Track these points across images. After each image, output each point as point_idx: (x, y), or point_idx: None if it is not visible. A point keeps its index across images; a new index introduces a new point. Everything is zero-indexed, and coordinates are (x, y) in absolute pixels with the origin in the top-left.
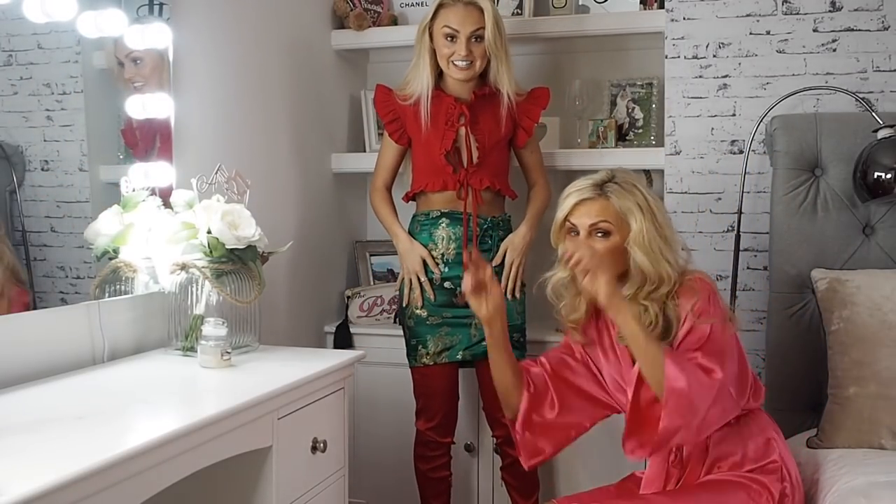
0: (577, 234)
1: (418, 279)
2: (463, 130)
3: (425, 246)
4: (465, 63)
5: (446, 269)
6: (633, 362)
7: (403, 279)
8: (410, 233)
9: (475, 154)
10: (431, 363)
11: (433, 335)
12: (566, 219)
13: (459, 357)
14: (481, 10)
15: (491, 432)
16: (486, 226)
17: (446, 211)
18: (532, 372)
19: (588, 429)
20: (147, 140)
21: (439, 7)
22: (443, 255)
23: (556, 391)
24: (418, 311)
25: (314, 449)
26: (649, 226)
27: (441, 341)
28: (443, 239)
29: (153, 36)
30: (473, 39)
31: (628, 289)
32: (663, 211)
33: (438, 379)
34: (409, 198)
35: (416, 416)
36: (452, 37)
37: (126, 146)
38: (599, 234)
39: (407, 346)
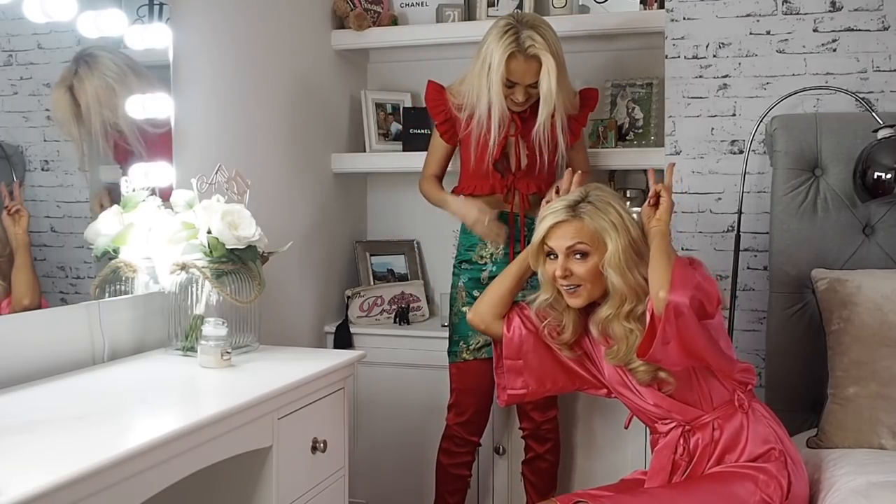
0: (556, 257)
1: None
2: (513, 139)
3: (474, 245)
4: (517, 105)
5: (494, 269)
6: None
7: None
8: (461, 231)
9: (524, 161)
10: (471, 358)
11: (476, 332)
12: (543, 242)
13: None
14: (541, 63)
15: (518, 424)
16: (533, 225)
17: (495, 211)
18: (524, 314)
19: (564, 389)
20: (122, 146)
21: (505, 54)
22: (491, 254)
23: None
24: (464, 309)
25: (314, 449)
26: (624, 244)
27: (482, 337)
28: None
29: (153, 36)
30: (531, 87)
31: (608, 308)
32: (638, 226)
33: (475, 376)
34: (456, 194)
35: (448, 410)
36: (511, 85)
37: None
38: (577, 256)
39: (449, 342)
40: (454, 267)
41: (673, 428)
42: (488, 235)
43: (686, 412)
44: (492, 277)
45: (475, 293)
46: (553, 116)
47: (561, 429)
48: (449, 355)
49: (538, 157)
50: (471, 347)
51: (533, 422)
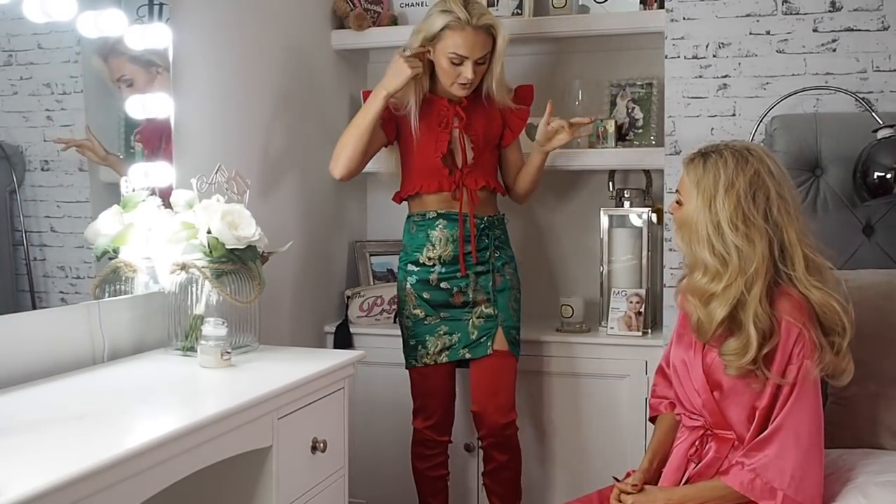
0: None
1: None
2: (457, 132)
3: (421, 247)
4: (468, 83)
5: (443, 271)
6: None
7: (399, 278)
8: (406, 232)
9: (470, 155)
10: (432, 363)
11: (432, 335)
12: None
13: (460, 355)
14: (489, 34)
15: (477, 433)
16: (482, 225)
17: (443, 212)
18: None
19: None
20: (154, 141)
21: (445, 28)
22: (440, 256)
23: None
24: (415, 312)
25: (314, 449)
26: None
27: (440, 341)
28: (440, 240)
29: (153, 36)
30: (479, 63)
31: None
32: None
33: (437, 378)
34: (401, 199)
35: (414, 416)
36: (459, 62)
37: (143, 147)
38: (678, 204)
39: (405, 346)
40: (399, 269)
41: (696, 427)
42: (402, 69)
43: (716, 417)
44: (441, 279)
45: (425, 295)
46: (490, 98)
47: (549, 435)
48: (407, 359)
49: (483, 150)
50: (430, 352)
51: (495, 426)
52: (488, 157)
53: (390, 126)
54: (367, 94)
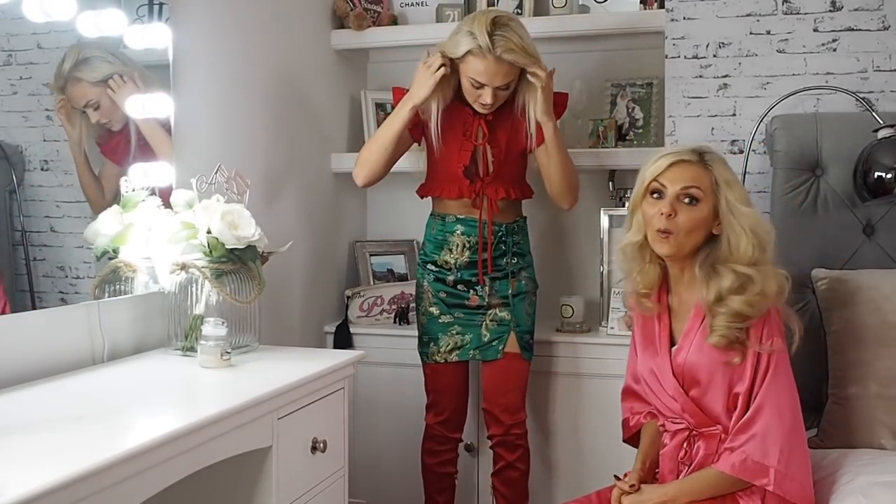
0: (661, 197)
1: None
2: (480, 147)
3: (440, 249)
4: (486, 106)
5: (458, 274)
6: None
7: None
8: (427, 228)
9: (491, 167)
10: (442, 361)
11: (445, 333)
12: (656, 178)
13: (470, 356)
14: (513, 64)
15: (487, 431)
16: (500, 233)
17: (462, 217)
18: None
19: None
20: (120, 152)
21: (468, 53)
22: (456, 260)
23: None
24: (431, 309)
25: (314, 449)
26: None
27: (452, 340)
28: (457, 245)
29: (152, 36)
30: (500, 88)
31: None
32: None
33: (449, 375)
34: (423, 196)
35: (426, 411)
36: (479, 87)
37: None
38: (687, 200)
39: (419, 341)
40: (419, 265)
41: (680, 430)
42: (426, 79)
43: (698, 417)
44: (457, 282)
45: (441, 294)
46: (522, 114)
47: (549, 434)
48: (420, 355)
49: (505, 161)
50: (441, 350)
51: (502, 425)
52: (511, 167)
53: (417, 130)
54: (396, 92)
